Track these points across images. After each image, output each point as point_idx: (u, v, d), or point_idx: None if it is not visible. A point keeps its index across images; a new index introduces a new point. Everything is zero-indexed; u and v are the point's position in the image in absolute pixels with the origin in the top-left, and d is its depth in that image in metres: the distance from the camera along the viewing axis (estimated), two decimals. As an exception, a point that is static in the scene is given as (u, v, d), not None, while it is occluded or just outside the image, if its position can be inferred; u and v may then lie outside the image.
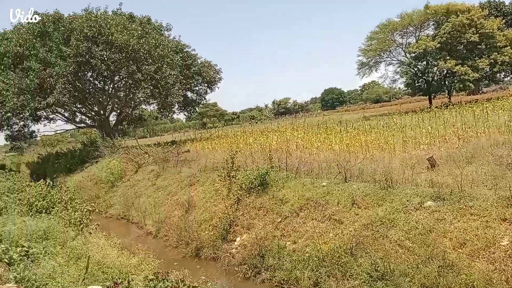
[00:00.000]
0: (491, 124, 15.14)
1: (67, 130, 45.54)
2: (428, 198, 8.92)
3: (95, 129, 46.24)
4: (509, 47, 44.39)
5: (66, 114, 38.88)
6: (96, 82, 37.19)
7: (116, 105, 39.32)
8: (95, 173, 26.14)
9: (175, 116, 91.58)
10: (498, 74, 49.06)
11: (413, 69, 51.76)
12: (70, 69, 29.88)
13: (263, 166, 13.50)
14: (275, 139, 19.81)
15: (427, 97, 54.85)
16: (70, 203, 15.07)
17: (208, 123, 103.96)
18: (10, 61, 32.44)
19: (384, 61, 56.30)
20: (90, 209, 14.09)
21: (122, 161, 24.67)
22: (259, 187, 12.90)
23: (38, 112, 34.70)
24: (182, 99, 39.52)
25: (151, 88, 33.01)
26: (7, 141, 45.96)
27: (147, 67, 31.86)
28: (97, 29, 30.20)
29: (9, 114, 34.39)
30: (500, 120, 15.62)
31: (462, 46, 46.14)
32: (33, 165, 44.86)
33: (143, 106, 45.49)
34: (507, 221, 7.61)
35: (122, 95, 38.20)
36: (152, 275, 7.67)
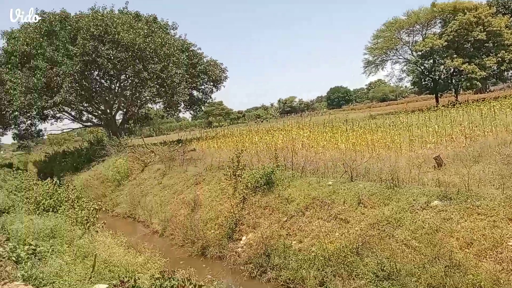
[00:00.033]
0: (499, 123, 15.04)
1: (73, 129, 45.73)
2: (434, 197, 8.88)
3: (101, 128, 46.50)
4: (517, 45, 44.00)
5: (73, 113, 39.09)
6: (103, 81, 37.35)
7: (123, 104, 39.46)
8: (102, 172, 26.25)
9: (181, 115, 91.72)
10: (505, 73, 48.57)
11: (420, 67, 51.43)
12: (77, 68, 30.02)
13: (269, 165, 13.50)
14: (281, 138, 19.82)
15: (434, 95, 54.52)
16: (77, 201, 15.15)
17: (214, 122, 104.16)
18: (17, 60, 32.72)
19: (391, 59, 56.00)
20: (96, 207, 14.17)
21: (129, 160, 24.77)
22: (264, 186, 12.90)
23: (45, 111, 34.90)
24: (188, 98, 39.58)
25: (157, 87, 33.10)
26: (14, 140, 46.29)
27: (153, 66, 31.94)
28: (103, 28, 30.32)
29: (16, 113, 34.68)
30: (508, 119, 15.52)
31: (469, 44, 45.76)
32: (40, 164, 45.12)
33: (149, 105, 45.76)
34: (515, 221, 7.55)
35: (128, 94, 38.33)
36: (159, 273, 7.70)
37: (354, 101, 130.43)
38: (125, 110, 40.72)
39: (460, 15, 44.57)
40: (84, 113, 39.88)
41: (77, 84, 31.83)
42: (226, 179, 14.63)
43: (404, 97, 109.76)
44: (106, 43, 30.51)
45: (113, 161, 26.35)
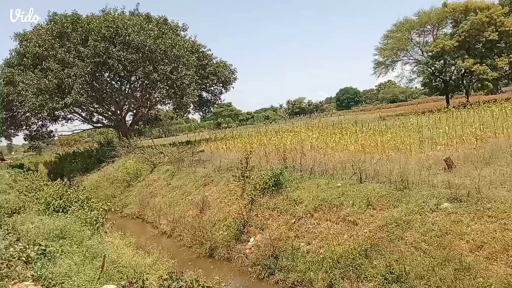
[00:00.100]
0: (510, 124, 14.85)
1: (84, 130, 46.17)
2: (444, 199, 8.79)
3: (111, 129, 46.82)
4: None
5: (84, 114, 39.41)
6: (113, 82, 37.65)
7: (133, 105, 39.72)
8: (111, 173, 26.43)
9: (190, 116, 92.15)
10: (518, 73, 48.12)
11: (430, 68, 51.02)
12: (88, 69, 30.28)
13: (278, 167, 13.47)
14: (290, 140, 19.76)
15: (445, 96, 54.08)
16: (87, 202, 15.29)
17: (223, 123, 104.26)
18: (29, 61, 33.13)
19: (401, 60, 55.62)
20: (106, 208, 14.31)
21: (138, 160, 24.89)
22: (273, 188, 12.87)
23: (56, 112, 35.20)
24: (197, 99, 39.71)
25: (167, 88, 33.24)
26: (25, 141, 46.96)
27: (163, 67, 32.10)
28: (114, 30, 30.56)
29: (28, 114, 35.09)
30: (520, 120, 15.31)
31: (481, 45, 45.35)
32: (50, 165, 45.59)
33: (159, 106, 45.99)
34: (526, 224, 7.45)
35: (138, 95, 38.59)
36: (167, 274, 7.72)
37: (363, 102, 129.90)
38: (135, 111, 40.99)
39: (471, 15, 44.15)
40: (95, 114, 40.20)
41: (88, 86, 32.13)
42: (235, 181, 14.64)
43: (415, 98, 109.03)
44: (117, 44, 30.74)
45: (122, 162, 26.51)
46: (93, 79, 32.94)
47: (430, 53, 48.14)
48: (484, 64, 43.01)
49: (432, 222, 8.39)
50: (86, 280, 7.42)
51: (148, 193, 20.36)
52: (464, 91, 51.60)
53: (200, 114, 51.44)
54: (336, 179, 12.14)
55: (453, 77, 50.20)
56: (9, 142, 69.46)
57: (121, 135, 37.66)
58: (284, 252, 10.56)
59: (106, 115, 40.13)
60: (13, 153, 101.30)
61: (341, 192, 11.03)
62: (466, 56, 44.20)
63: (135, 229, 16.82)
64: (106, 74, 35.55)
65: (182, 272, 8.01)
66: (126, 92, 38.28)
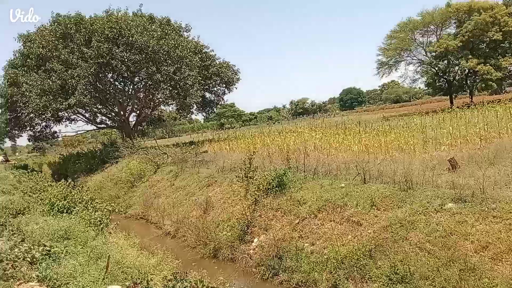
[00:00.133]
0: (515, 125, 14.80)
1: (87, 131, 46.33)
2: (449, 200, 8.76)
3: (115, 129, 46.93)
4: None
5: (87, 115, 39.52)
6: (117, 83, 37.72)
7: (136, 106, 39.79)
8: (115, 173, 26.48)
9: (193, 116, 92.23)
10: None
11: (434, 68, 50.88)
12: (91, 70, 30.35)
13: (281, 167, 13.46)
14: (293, 140, 19.76)
15: (448, 97, 53.94)
16: (91, 203, 15.32)
17: (226, 123, 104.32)
18: (33, 62, 33.24)
19: (404, 60, 55.50)
20: (110, 209, 14.33)
21: (142, 161, 24.93)
22: (276, 188, 12.86)
23: (59, 113, 35.31)
24: (200, 99, 39.74)
25: (170, 89, 33.27)
26: (29, 142, 47.09)
27: (166, 68, 32.14)
28: (117, 31, 30.61)
29: (32, 114, 35.22)
30: (524, 120, 15.26)
31: (485, 45, 45.21)
32: (54, 165, 45.72)
33: (162, 107, 46.04)
34: (532, 224, 7.42)
35: (141, 96, 38.66)
36: (171, 275, 7.74)
37: (367, 103, 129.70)
38: (138, 112, 41.07)
39: (475, 15, 44.04)
40: (98, 115, 40.28)
41: (91, 86, 32.20)
42: (238, 181, 14.63)
43: (418, 99, 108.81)
44: (120, 45, 30.81)
45: (126, 162, 26.56)
46: (97, 80, 33.02)
47: (434, 53, 48.01)
48: (488, 64, 42.88)
49: (437, 223, 8.37)
50: (91, 281, 7.44)
51: (152, 193, 20.39)
52: (468, 91, 51.49)
53: (203, 115, 51.53)
54: (340, 180, 12.12)
55: (457, 77, 50.07)
56: (13, 143, 69.72)
57: (124, 135, 37.72)
58: (288, 252, 10.56)
59: (110, 116, 40.23)
60: (17, 154, 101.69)
61: (345, 192, 11.01)
62: (470, 56, 44.08)
63: (139, 229, 16.85)
64: (110, 75, 35.62)
65: (186, 273, 8.05)
66: (130, 93, 38.36)
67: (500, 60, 43.48)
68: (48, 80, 30.79)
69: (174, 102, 38.69)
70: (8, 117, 39.03)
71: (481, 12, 44.00)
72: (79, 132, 44.33)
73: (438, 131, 16.88)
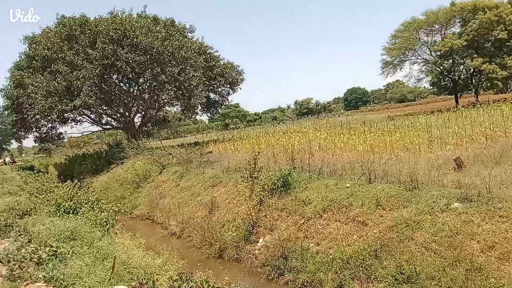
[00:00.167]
0: (521, 124, 14.73)
1: (93, 132, 46.46)
2: (455, 199, 8.73)
3: (120, 130, 47.06)
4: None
5: (93, 116, 39.70)
6: (122, 84, 37.86)
7: (141, 107, 39.92)
8: (121, 174, 26.57)
9: (198, 117, 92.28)
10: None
11: (439, 67, 50.74)
12: (96, 71, 30.48)
13: (286, 167, 13.45)
14: (298, 140, 19.76)
15: (453, 96, 53.74)
16: (97, 203, 15.40)
17: (231, 124, 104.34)
18: (38, 64, 33.44)
19: (409, 59, 55.41)
20: (115, 209, 14.39)
21: (147, 162, 24.99)
22: (281, 188, 12.85)
23: (65, 114, 35.51)
24: (205, 100, 39.79)
25: (175, 89, 33.35)
26: (35, 143, 47.37)
27: (171, 69, 32.22)
28: (122, 32, 30.73)
29: (37, 116, 35.42)
30: (530, 119, 15.18)
31: (490, 44, 45.02)
32: (60, 166, 45.91)
33: (167, 108, 46.18)
34: (538, 224, 7.38)
35: (146, 97, 38.77)
36: (177, 275, 7.76)
37: (371, 102, 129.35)
38: (143, 113, 41.20)
39: (480, 14, 43.87)
40: (104, 116, 40.45)
41: (96, 88, 32.33)
42: (243, 181, 14.65)
43: (423, 98, 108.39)
44: (125, 46, 30.92)
45: (131, 163, 26.64)
46: (102, 81, 33.15)
47: (439, 53, 47.86)
48: (493, 63, 42.72)
49: (443, 222, 8.34)
50: (97, 281, 7.48)
51: (157, 194, 20.44)
52: (473, 90, 51.28)
53: (207, 115, 51.64)
54: (345, 180, 12.10)
55: (462, 76, 49.88)
56: (19, 144, 70.13)
57: (130, 136, 37.83)
58: (293, 252, 10.55)
59: (115, 117, 40.38)
60: (23, 155, 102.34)
61: (350, 192, 10.99)
62: (475, 55, 43.92)
63: (144, 230, 16.89)
64: (115, 76, 35.75)
65: (192, 273, 8.06)
66: (135, 94, 38.49)
67: (505, 59, 43.30)
68: (54, 82, 30.97)
69: (179, 103, 38.79)
70: (15, 118, 39.29)
71: (486, 11, 43.84)
72: (84, 133, 44.55)
73: (444, 130, 16.83)
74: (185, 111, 42.46)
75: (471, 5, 45.87)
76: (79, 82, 30.28)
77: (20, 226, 11.16)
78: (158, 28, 33.41)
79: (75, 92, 31.20)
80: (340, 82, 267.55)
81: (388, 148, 15.26)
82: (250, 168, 14.32)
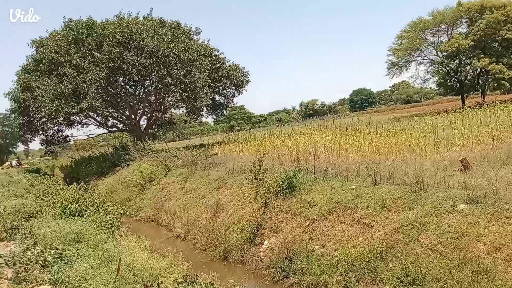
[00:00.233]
0: (528, 124, 14.61)
1: (99, 134, 46.58)
2: (461, 201, 8.67)
3: (126, 133, 47.22)
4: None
5: (99, 119, 39.83)
6: (128, 87, 37.98)
7: (147, 109, 40.03)
8: (126, 176, 26.64)
9: (203, 119, 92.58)
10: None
11: (445, 68, 50.48)
12: (103, 74, 30.60)
13: (291, 169, 13.42)
14: (303, 142, 19.73)
15: (460, 97, 53.45)
16: (102, 206, 15.42)
17: (236, 126, 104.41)
18: (45, 67, 33.64)
19: (415, 60, 55.20)
20: (121, 212, 14.40)
21: (152, 164, 25.05)
22: (286, 190, 12.83)
23: (71, 117, 35.61)
24: (210, 102, 39.82)
25: (181, 92, 33.41)
26: (42, 146, 47.58)
27: (176, 71, 32.27)
28: (128, 35, 30.84)
29: (44, 119, 35.62)
30: (538, 120, 15.04)
31: (497, 44, 44.74)
32: (66, 169, 46.14)
33: (173, 110, 46.25)
34: (546, 225, 7.30)
35: (152, 100, 38.87)
36: (182, 277, 7.77)
37: (377, 103, 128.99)
38: (149, 115, 41.31)
39: (487, 14, 43.61)
40: (110, 118, 40.58)
41: (103, 90, 32.47)
42: (248, 183, 14.63)
43: (429, 99, 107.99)
44: (131, 49, 31.02)
45: (137, 165, 26.72)
46: (108, 84, 33.28)
47: (445, 53, 47.64)
48: (500, 63, 42.44)
49: (449, 224, 8.28)
50: (102, 284, 7.49)
51: (162, 196, 20.48)
52: (480, 90, 50.99)
53: (213, 117, 51.70)
54: (350, 181, 12.06)
55: (468, 77, 49.60)
56: (26, 147, 70.64)
57: (135, 139, 37.94)
58: (298, 255, 10.52)
59: (121, 119, 40.51)
60: (30, 157, 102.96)
61: (356, 194, 10.95)
62: (482, 55, 43.66)
63: (149, 232, 16.92)
64: (121, 79, 35.87)
65: (196, 275, 8.07)
66: (140, 96, 38.60)
67: (512, 59, 43.02)
68: (60, 85, 31.13)
69: (185, 105, 38.82)
70: (21, 121, 39.55)
71: (493, 11, 43.57)
72: (90, 136, 44.68)
73: (450, 131, 16.74)
74: (190, 113, 42.48)
75: (478, 4, 45.60)
76: (85, 85, 30.42)
77: (26, 228, 11.20)
78: (164, 30, 33.49)
79: (81, 95, 31.34)
80: (345, 83, 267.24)
81: (393, 149, 15.20)
82: (255, 170, 14.30)
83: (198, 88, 33.92)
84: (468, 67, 47.53)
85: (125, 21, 32.54)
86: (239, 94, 45.83)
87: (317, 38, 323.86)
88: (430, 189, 9.78)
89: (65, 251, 8.94)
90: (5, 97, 37.35)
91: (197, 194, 18.00)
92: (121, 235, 12.15)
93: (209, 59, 39.05)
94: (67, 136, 42.78)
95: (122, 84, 36.92)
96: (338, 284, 8.91)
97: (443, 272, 7.55)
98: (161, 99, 37.86)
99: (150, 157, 26.67)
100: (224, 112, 52.08)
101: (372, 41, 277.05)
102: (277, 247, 11.31)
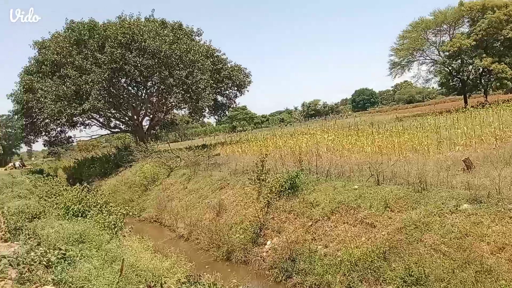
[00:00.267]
0: (531, 124, 14.57)
1: (102, 135, 46.69)
2: (464, 201, 8.65)
3: (129, 134, 47.28)
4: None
5: (101, 120, 39.91)
6: (130, 88, 38.06)
7: (149, 110, 40.08)
8: (129, 177, 26.68)
9: (205, 120, 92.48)
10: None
11: (447, 68, 50.37)
12: (105, 75, 30.67)
13: (293, 169, 13.42)
14: (305, 142, 19.72)
15: (462, 96, 53.34)
16: (105, 206, 15.46)
17: (238, 126, 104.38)
18: (48, 69, 33.76)
19: (417, 60, 55.08)
20: (124, 212, 14.44)
21: (155, 165, 25.08)
22: (289, 191, 12.83)
23: (74, 118, 35.72)
24: (212, 103, 39.84)
25: (183, 93, 33.44)
26: (45, 147, 47.80)
27: (178, 72, 32.32)
28: (130, 36, 30.91)
29: (47, 120, 35.74)
30: (541, 119, 15.00)
31: (499, 43, 44.62)
32: (69, 170, 46.19)
33: (175, 111, 46.27)
34: (549, 225, 7.28)
35: (154, 100, 38.93)
36: (185, 278, 7.78)
37: (379, 103, 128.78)
38: (151, 116, 41.36)
39: (489, 13, 43.50)
40: (112, 119, 40.64)
41: (105, 92, 32.54)
42: (251, 184, 14.62)
43: (432, 99, 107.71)
44: (133, 50, 31.09)
45: (140, 166, 26.74)
46: (110, 85, 33.35)
47: (447, 53, 47.54)
48: (502, 63, 42.33)
49: (452, 224, 8.26)
50: (106, 284, 7.51)
51: (165, 197, 20.50)
52: (483, 90, 50.84)
53: (215, 118, 51.70)
54: (353, 181, 12.05)
55: (470, 77, 49.50)
56: (29, 148, 70.90)
57: (138, 140, 38.01)
58: (301, 255, 10.52)
59: (123, 120, 40.58)
60: (33, 158, 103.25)
61: (358, 194, 10.94)
62: (484, 55, 43.56)
63: (152, 232, 16.94)
64: (123, 80, 35.94)
65: (199, 276, 8.08)
66: (143, 97, 38.67)
67: (515, 58, 42.89)
68: (63, 86, 31.23)
69: (187, 105, 38.85)
70: (24, 123, 39.67)
71: (495, 10, 43.46)
72: (93, 137, 44.76)
73: (452, 131, 16.71)
74: (192, 114, 42.52)
75: (480, 4, 45.49)
76: (88, 86, 30.50)
77: (30, 229, 11.23)
78: (166, 31, 33.54)
79: (84, 96, 31.41)
80: (346, 83, 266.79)
81: (396, 149, 15.18)
82: (258, 170, 14.30)
83: (200, 89, 33.94)
84: (470, 66, 47.42)
85: (127, 22, 32.62)
86: (241, 95, 45.91)
87: (317, 38, 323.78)
88: (433, 189, 9.77)
89: (69, 251, 8.96)
90: (8, 98, 37.52)
91: (199, 194, 18.01)
92: (124, 236, 12.18)
93: (211, 60, 39.06)
94: (70, 137, 42.97)
95: (125, 85, 37.01)
96: (341, 284, 8.91)
97: (446, 272, 7.54)
98: (163, 100, 37.92)
99: (153, 158, 26.71)
100: (226, 112, 52.09)
101: (373, 41, 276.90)
102: (280, 247, 11.31)
